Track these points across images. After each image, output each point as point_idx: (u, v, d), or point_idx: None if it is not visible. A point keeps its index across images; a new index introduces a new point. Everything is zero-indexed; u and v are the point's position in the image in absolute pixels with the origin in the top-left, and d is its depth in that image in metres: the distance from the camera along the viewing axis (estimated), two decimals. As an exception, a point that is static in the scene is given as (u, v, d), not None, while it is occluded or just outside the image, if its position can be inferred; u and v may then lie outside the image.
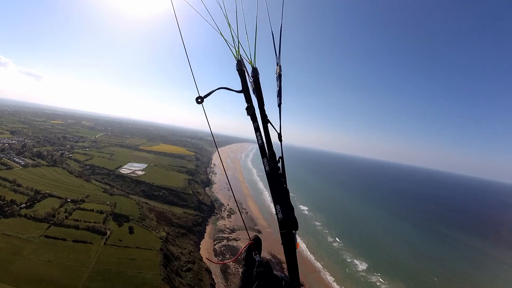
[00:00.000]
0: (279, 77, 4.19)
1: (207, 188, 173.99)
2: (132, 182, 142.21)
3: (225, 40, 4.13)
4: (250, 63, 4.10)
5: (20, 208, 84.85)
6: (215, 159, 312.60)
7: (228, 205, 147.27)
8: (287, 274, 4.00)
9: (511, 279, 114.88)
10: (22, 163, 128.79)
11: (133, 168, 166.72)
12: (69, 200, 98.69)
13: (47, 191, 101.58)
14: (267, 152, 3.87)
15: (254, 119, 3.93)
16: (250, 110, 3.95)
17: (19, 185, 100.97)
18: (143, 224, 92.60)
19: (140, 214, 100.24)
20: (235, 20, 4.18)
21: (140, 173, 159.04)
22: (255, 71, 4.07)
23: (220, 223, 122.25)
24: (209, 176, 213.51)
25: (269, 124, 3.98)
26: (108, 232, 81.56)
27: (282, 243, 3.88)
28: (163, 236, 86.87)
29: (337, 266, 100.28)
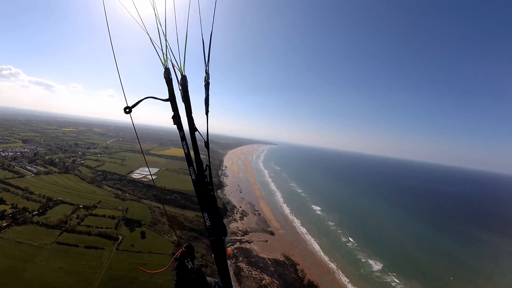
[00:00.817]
0: (207, 85, 4.18)
1: (219, 191, 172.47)
2: (144, 186, 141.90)
3: (154, 47, 4.02)
4: (180, 70, 4.09)
5: (32, 216, 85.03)
6: (226, 161, 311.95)
7: (241, 207, 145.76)
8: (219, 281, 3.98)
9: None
10: (34, 170, 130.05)
11: (144, 172, 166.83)
12: (81, 206, 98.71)
13: (59, 198, 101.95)
14: (194, 160, 4.00)
15: (180, 128, 4.02)
16: (176, 119, 4.02)
17: (31, 193, 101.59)
18: (155, 229, 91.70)
19: (152, 218, 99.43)
20: (165, 27, 4.08)
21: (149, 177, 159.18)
22: (184, 79, 4.08)
23: (233, 225, 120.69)
24: (221, 179, 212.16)
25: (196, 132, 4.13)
26: (120, 238, 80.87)
27: (212, 250, 3.91)
28: (175, 241, 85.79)
29: (352, 267, 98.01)
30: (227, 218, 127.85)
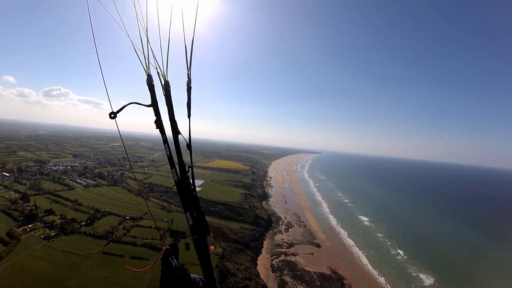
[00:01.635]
0: (189, 89, 4.18)
1: (263, 202, 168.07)
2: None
3: (136, 53, 4.00)
4: (163, 76, 4.09)
5: (80, 226, 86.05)
6: (270, 172, 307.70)
7: (286, 218, 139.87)
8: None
9: None
10: (84, 183, 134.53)
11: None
12: (127, 217, 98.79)
13: (107, 209, 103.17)
14: (176, 162, 4.04)
15: (162, 132, 4.03)
16: (158, 123, 4.04)
17: (80, 204, 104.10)
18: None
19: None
20: (145, 34, 4.11)
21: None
22: (166, 84, 4.11)
23: (278, 237, 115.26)
24: (266, 190, 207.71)
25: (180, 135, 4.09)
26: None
27: (195, 248, 4.02)
28: (220, 252, 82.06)
29: (402, 281, 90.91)
30: (272, 229, 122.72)
